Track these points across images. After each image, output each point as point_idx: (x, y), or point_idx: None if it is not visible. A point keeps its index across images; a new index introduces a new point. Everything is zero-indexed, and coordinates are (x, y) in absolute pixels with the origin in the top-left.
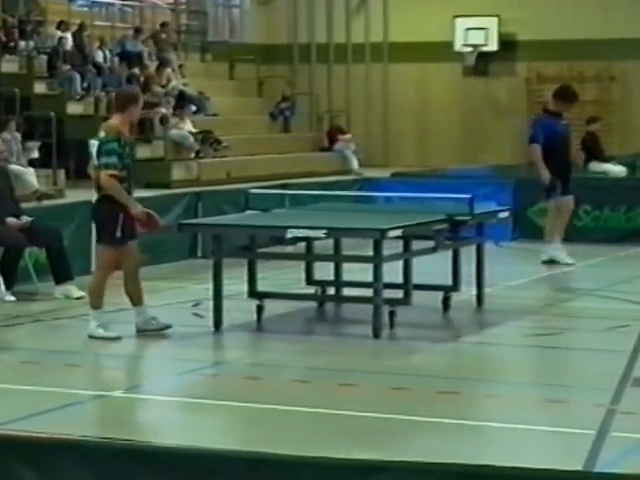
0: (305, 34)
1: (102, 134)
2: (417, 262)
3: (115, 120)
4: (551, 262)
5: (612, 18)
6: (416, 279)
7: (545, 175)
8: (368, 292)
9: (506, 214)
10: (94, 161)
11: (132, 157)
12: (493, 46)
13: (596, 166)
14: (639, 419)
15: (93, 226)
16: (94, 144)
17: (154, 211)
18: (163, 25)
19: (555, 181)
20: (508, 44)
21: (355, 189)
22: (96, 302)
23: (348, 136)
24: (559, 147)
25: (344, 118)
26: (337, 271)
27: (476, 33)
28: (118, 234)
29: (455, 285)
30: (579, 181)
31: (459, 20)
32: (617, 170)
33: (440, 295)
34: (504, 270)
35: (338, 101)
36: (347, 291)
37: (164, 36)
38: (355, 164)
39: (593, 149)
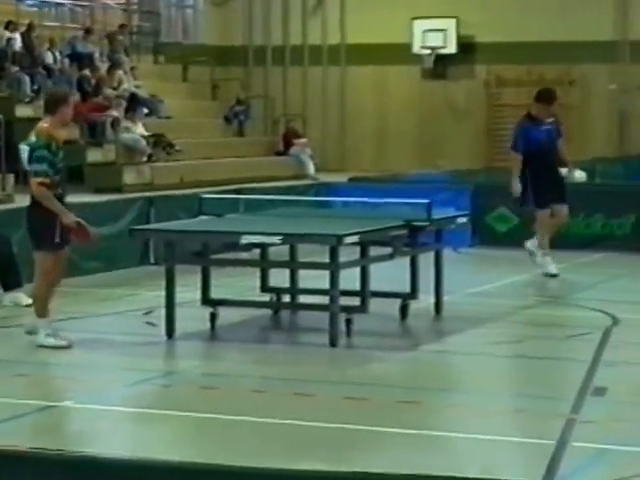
0: (260, 36)
1: (33, 138)
2: (374, 269)
3: (46, 123)
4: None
5: (572, 21)
6: (373, 286)
7: (515, 187)
8: (324, 300)
9: (465, 220)
10: (25, 167)
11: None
12: (452, 48)
13: None
14: (599, 428)
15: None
16: (25, 149)
17: (106, 216)
18: (122, 27)
19: (529, 193)
20: (467, 46)
21: (311, 194)
22: (42, 310)
23: (304, 140)
24: (539, 156)
25: (300, 122)
26: (293, 278)
27: (434, 35)
28: (57, 239)
29: (413, 292)
30: None
31: (417, 22)
32: (576, 175)
33: (398, 303)
34: (463, 277)
35: (294, 104)
36: (303, 298)
37: (121, 37)
38: (311, 169)
39: None
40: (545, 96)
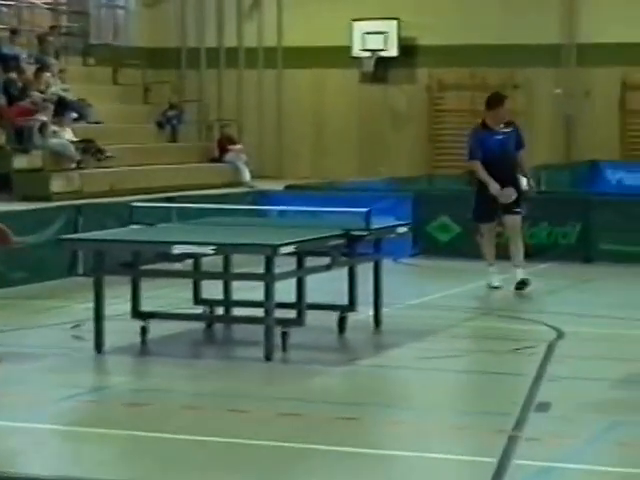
0: (194, 37)
1: None
2: (311, 280)
3: None
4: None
5: (516, 23)
6: (310, 298)
7: (494, 187)
8: (259, 312)
9: (405, 229)
10: None
11: None
12: (393, 51)
13: None
14: (542, 446)
15: None
16: None
17: (33, 225)
18: (52, 28)
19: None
20: (408, 49)
21: (247, 202)
22: None
23: (239, 146)
24: (490, 167)
25: (235, 127)
26: (226, 290)
27: (375, 37)
28: None
29: (351, 305)
30: None
31: (357, 24)
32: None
33: (336, 315)
34: (403, 288)
35: (229, 109)
36: (237, 311)
37: (51, 39)
38: (247, 176)
39: None
40: (493, 101)
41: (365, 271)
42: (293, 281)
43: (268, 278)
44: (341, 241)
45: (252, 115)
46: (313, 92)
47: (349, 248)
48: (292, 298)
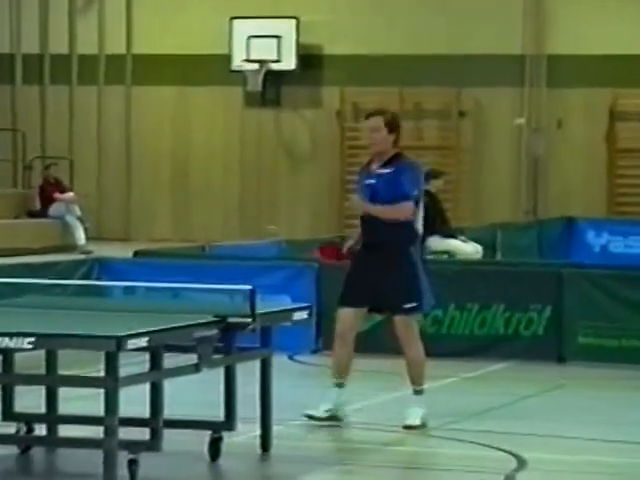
0: (7, 41)
1: None
2: (173, 386)
3: None
4: None
5: (462, 27)
6: (170, 411)
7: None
8: (97, 431)
9: (305, 314)
10: None
11: None
12: (289, 63)
13: (437, 243)
14: None
15: None
16: None
17: None
18: None
19: None
20: (311, 60)
21: (80, 275)
22: None
23: (71, 195)
24: (362, 223)
25: (65, 167)
26: (50, 399)
27: (264, 43)
28: None
29: (229, 421)
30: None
31: (238, 24)
32: (468, 249)
33: (207, 436)
34: (302, 397)
35: (56, 142)
36: (65, 430)
37: None
38: (81, 237)
39: (432, 217)
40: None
41: (249, 373)
42: (146, 388)
43: (109, 383)
44: (214, 331)
45: (89, 151)
46: (175, 119)
47: (225, 341)
48: (145, 411)
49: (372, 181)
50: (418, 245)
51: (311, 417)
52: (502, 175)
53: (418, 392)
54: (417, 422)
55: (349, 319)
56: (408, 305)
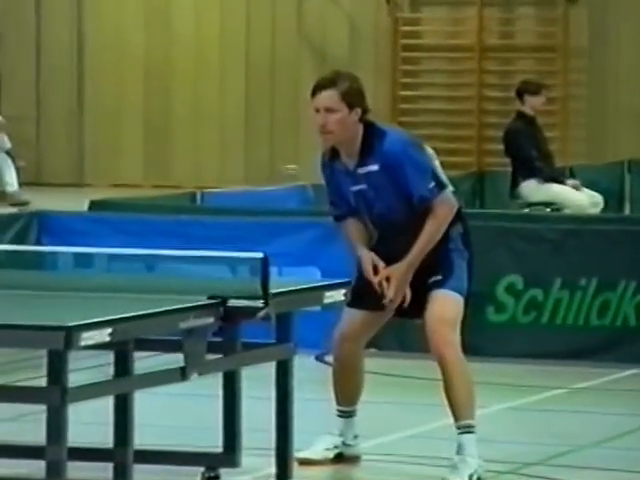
0: None
1: None
2: (147, 400)
3: None
4: None
5: None
6: (143, 439)
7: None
8: (36, 466)
9: (341, 295)
10: None
11: None
12: None
13: (536, 190)
14: None
15: None
16: None
17: None
18: None
19: None
20: None
21: (12, 236)
22: None
23: None
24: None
25: None
26: None
27: None
28: None
29: (229, 453)
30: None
31: None
32: (582, 199)
33: (197, 475)
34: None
35: None
36: None
37: None
38: (12, 181)
39: (528, 152)
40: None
41: (260, 381)
42: (108, 403)
43: (54, 396)
44: (209, 320)
45: (23, 54)
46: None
47: (225, 334)
48: (107, 439)
49: (361, 187)
50: (458, 224)
51: (306, 461)
52: (632, 90)
53: (467, 429)
54: None
55: (354, 323)
56: (433, 279)
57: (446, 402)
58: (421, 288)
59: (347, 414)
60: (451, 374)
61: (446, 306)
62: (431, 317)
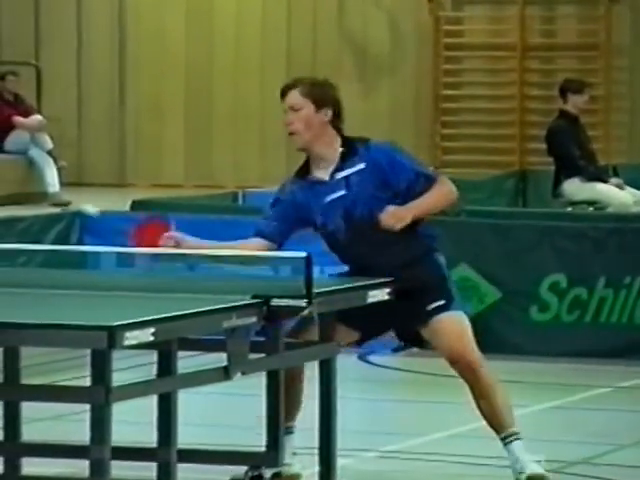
0: None
1: None
2: (190, 399)
3: None
4: None
5: None
6: (189, 436)
7: None
8: (79, 466)
9: (386, 294)
10: None
11: None
12: None
13: (579, 188)
14: None
15: None
16: None
17: None
18: None
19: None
20: None
21: (54, 236)
22: None
23: (38, 118)
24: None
25: (30, 78)
26: (10, 421)
27: None
28: None
29: (272, 452)
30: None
31: None
32: (625, 198)
33: (242, 473)
34: (380, 417)
35: (14, 40)
36: (30, 465)
37: None
38: (54, 181)
39: (571, 151)
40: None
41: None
42: (152, 403)
43: (97, 396)
44: (252, 319)
45: (64, 55)
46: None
47: (269, 333)
48: (150, 438)
49: (338, 194)
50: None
51: None
52: None
53: (512, 437)
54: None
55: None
56: (436, 304)
57: (484, 418)
58: (422, 315)
59: (285, 431)
60: (488, 390)
61: (462, 326)
62: (451, 340)
